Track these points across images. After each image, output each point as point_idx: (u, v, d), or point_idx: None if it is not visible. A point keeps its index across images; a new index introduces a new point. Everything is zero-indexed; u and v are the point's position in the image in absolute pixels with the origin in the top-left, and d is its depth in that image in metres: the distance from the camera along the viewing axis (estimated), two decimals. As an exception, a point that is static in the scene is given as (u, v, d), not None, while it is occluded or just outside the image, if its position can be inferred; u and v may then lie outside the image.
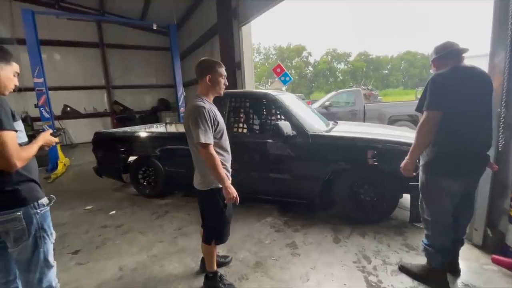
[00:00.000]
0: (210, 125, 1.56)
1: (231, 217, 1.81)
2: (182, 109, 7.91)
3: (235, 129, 3.40)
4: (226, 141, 1.75)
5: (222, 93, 1.73)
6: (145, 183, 3.87)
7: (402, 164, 1.82)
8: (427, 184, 1.78)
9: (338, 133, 2.96)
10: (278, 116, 3.11)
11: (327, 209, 3.10)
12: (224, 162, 1.69)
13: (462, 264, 1.99)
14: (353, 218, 2.80)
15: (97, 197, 4.04)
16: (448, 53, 1.70)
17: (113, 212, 3.45)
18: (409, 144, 2.48)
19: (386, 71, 45.20)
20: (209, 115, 1.57)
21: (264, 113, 3.49)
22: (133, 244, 2.62)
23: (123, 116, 11.25)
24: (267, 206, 3.31)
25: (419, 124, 1.69)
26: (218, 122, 1.65)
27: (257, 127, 3.50)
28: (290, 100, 3.25)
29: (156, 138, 3.82)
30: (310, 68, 43.78)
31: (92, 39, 10.69)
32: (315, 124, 3.12)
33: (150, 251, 2.47)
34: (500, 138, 2.06)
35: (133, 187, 4.00)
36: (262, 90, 4.07)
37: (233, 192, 1.62)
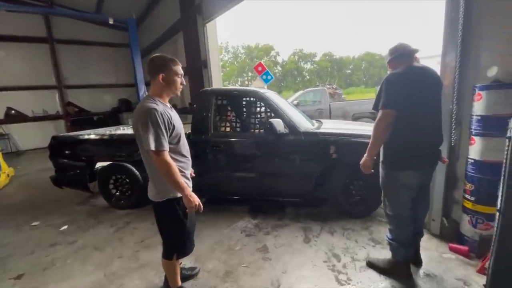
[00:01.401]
0: (163, 129, 1.40)
1: (194, 226, 1.68)
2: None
3: (222, 128, 3.30)
4: (184, 146, 1.60)
5: (178, 93, 1.57)
6: (117, 193, 3.48)
7: (362, 161, 1.86)
8: (387, 179, 1.84)
9: (328, 130, 2.99)
10: (268, 114, 3.09)
11: (317, 206, 3.13)
12: (182, 169, 1.55)
13: (423, 254, 2.09)
14: (344, 213, 2.87)
15: (48, 211, 3.60)
16: (402, 55, 1.78)
17: (65, 227, 3.08)
18: None
19: (348, 71, 47.59)
20: (163, 118, 1.41)
21: (253, 111, 3.45)
22: (88, 262, 2.35)
23: (79, 118, 10.32)
24: (238, 208, 3.22)
25: (375, 122, 1.74)
26: (174, 126, 1.48)
27: (247, 126, 3.43)
28: (277, 98, 3.23)
29: (130, 141, 3.35)
30: (279, 68, 44.44)
31: (39, 34, 9.62)
32: (303, 122, 3.12)
33: (107, 269, 2.23)
34: (452, 134, 2.19)
35: (103, 198, 3.54)
36: (249, 87, 4.00)
37: (195, 200, 1.49)
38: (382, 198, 1.98)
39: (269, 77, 6.44)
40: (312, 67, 46.21)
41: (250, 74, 40.41)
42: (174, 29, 7.78)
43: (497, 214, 0.81)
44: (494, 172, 1.99)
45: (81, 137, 3.75)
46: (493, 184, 2.00)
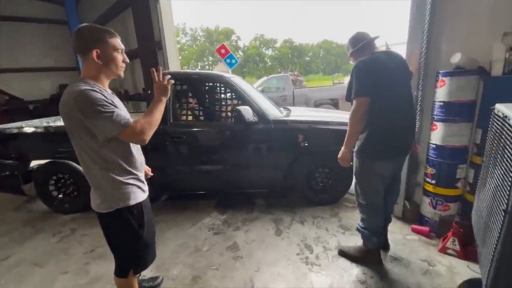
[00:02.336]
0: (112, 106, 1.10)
1: (154, 235, 1.42)
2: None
3: (183, 117, 2.98)
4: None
5: (121, 74, 1.22)
6: (60, 196, 2.98)
7: (340, 155, 1.78)
8: (361, 169, 1.79)
9: (297, 117, 2.86)
10: (235, 102, 2.87)
11: (286, 195, 3.04)
12: (134, 170, 1.25)
13: (389, 237, 2.14)
14: (312, 201, 2.85)
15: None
16: (364, 45, 1.73)
17: (-8, 240, 2.55)
18: None
19: (308, 58, 48.78)
20: (105, 97, 1.10)
21: (218, 97, 3.20)
22: (25, 282, 1.95)
23: (9, 108, 8.78)
24: (204, 204, 3.00)
25: (351, 113, 1.66)
26: (120, 108, 1.17)
27: (211, 114, 3.16)
28: (244, 84, 2.98)
29: None
30: (240, 53, 43.50)
31: None
32: (271, 109, 2.94)
33: (49, 289, 1.88)
34: (417, 120, 2.24)
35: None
36: (214, 71, 3.65)
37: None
38: (354, 187, 1.95)
39: (233, 61, 6.08)
40: (273, 53, 46.26)
41: (210, 58, 38.93)
42: (122, 5, 6.87)
43: (503, 214, 0.74)
44: (454, 157, 2.09)
45: (8, 131, 3.09)
46: (453, 167, 2.11)
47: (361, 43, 1.73)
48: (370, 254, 1.93)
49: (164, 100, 1.26)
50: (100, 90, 1.11)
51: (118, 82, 8.19)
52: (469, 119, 2.01)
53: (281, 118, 2.74)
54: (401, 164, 1.90)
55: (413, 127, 1.82)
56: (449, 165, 2.09)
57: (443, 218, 2.19)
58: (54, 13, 9.31)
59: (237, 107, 2.53)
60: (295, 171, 2.74)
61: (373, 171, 1.75)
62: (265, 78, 8.74)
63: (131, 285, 1.39)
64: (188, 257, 2.13)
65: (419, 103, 2.19)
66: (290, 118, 2.81)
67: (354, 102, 1.63)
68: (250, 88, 3.10)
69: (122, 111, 1.15)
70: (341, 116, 3.20)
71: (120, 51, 1.20)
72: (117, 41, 1.18)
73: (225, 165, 2.73)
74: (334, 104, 7.72)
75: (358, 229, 1.96)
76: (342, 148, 1.76)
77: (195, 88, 3.25)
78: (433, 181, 2.19)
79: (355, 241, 2.20)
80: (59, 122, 3.94)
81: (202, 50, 39.92)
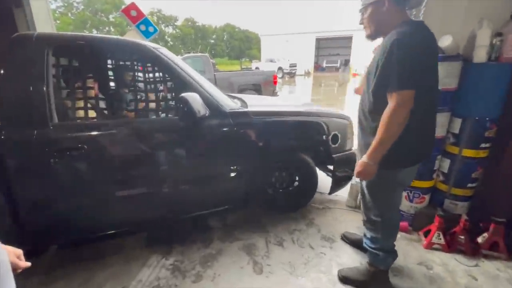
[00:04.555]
0: None
1: None
2: None
3: (80, 112, 1.76)
4: None
5: None
6: None
7: (361, 168, 1.27)
8: (381, 180, 1.36)
9: (258, 108, 2.15)
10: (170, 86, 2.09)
11: (245, 207, 2.25)
12: None
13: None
14: (276, 209, 2.36)
15: None
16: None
17: None
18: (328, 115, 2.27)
19: (212, 41, 47.34)
20: None
21: (138, 79, 2.24)
22: None
23: None
24: (132, 242, 2.01)
25: (389, 112, 1.15)
26: None
27: (130, 106, 2.19)
28: (178, 60, 1.93)
29: None
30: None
31: None
32: (223, 98, 2.07)
33: None
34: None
35: None
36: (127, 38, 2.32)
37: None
38: (362, 201, 1.55)
39: (150, 29, 4.52)
40: (174, 32, 42.35)
41: (95, 32, 31.95)
42: None
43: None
44: (435, 149, 1.98)
45: None
46: (432, 159, 2.02)
47: None
48: (380, 275, 1.60)
49: None
50: None
51: None
52: (450, 108, 1.91)
53: (239, 110, 2.03)
54: None
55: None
56: (430, 158, 1.97)
57: (419, 211, 2.12)
58: None
59: (182, 95, 1.65)
60: (259, 175, 2.14)
61: (397, 182, 1.37)
62: (179, 57, 7.46)
63: None
64: None
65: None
66: (250, 109, 2.13)
67: (396, 96, 1.13)
68: (187, 66, 2.16)
69: None
70: (294, 104, 2.88)
71: None
72: None
73: (160, 184, 1.80)
74: (256, 89, 7.38)
75: (367, 249, 1.59)
76: (365, 159, 1.25)
77: (98, 65, 2.08)
78: (412, 175, 2.06)
79: (345, 253, 1.88)
80: None
81: (82, 21, 32.03)
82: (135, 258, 1.85)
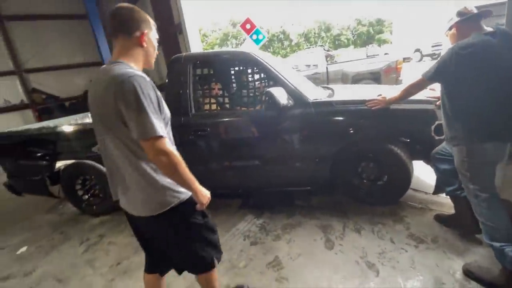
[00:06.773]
0: (156, 107, 0.97)
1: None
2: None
3: (207, 106, 2.60)
4: (170, 135, 1.17)
5: (153, 65, 1.11)
6: (88, 197, 2.86)
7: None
8: (468, 157, 1.40)
9: (344, 97, 2.31)
10: (266, 83, 2.51)
11: (331, 194, 2.55)
12: None
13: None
14: (364, 201, 2.33)
15: (4, 226, 2.95)
16: (474, 16, 1.42)
17: (23, 249, 2.46)
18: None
19: (338, 30, 45.36)
20: (155, 93, 0.97)
21: (245, 80, 2.80)
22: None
23: (46, 106, 9.20)
24: (237, 205, 2.64)
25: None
26: (163, 107, 1.04)
27: (238, 100, 2.80)
28: (273, 60, 2.45)
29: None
30: (264, 32, 41.91)
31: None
32: (310, 89, 2.41)
33: (71, 314, 1.67)
34: None
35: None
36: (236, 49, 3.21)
37: (207, 192, 1.11)
38: (463, 185, 1.53)
39: (260, 37, 5.41)
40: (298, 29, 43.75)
41: (234, 41, 38.05)
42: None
43: None
44: None
45: (29, 132, 2.98)
46: None
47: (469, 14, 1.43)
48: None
49: (195, 190, 1.06)
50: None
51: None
52: None
53: (323, 100, 2.20)
54: None
55: None
56: None
57: None
58: (72, 8, 9.28)
59: (268, 89, 2.04)
60: (340, 164, 2.23)
61: (485, 156, 1.38)
62: (295, 54, 7.98)
63: (216, 275, 1.26)
64: (223, 275, 1.78)
65: None
66: (335, 99, 2.25)
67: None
68: (281, 64, 2.54)
69: (163, 101, 1.03)
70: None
71: (157, 40, 1.11)
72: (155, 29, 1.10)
73: (258, 160, 2.29)
74: (376, 78, 6.74)
75: (487, 244, 1.45)
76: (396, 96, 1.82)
77: (217, 71, 2.82)
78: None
79: (435, 257, 1.69)
80: (87, 119, 3.84)
81: (225, 34, 39.08)
82: (236, 214, 2.48)
